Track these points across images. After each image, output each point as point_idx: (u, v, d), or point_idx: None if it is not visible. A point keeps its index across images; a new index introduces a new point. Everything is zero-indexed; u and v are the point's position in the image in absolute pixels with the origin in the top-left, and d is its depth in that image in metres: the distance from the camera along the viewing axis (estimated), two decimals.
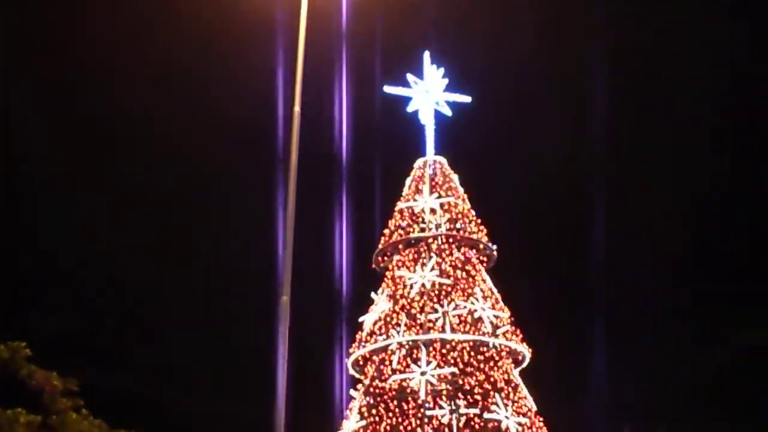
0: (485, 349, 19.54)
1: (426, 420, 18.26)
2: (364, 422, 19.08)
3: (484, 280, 20.67)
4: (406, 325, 19.53)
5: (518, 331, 20.28)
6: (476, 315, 19.61)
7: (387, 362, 19.59)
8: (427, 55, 22.36)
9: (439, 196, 20.94)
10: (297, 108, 13.97)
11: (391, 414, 18.70)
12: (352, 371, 20.79)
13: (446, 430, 18.31)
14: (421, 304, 19.66)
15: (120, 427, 24.64)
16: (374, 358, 20.02)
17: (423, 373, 18.71)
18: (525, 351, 20.42)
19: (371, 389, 19.58)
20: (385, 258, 21.30)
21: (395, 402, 18.84)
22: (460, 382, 19.00)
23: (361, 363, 20.55)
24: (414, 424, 18.29)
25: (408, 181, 21.66)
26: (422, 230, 20.61)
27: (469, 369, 19.05)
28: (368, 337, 20.05)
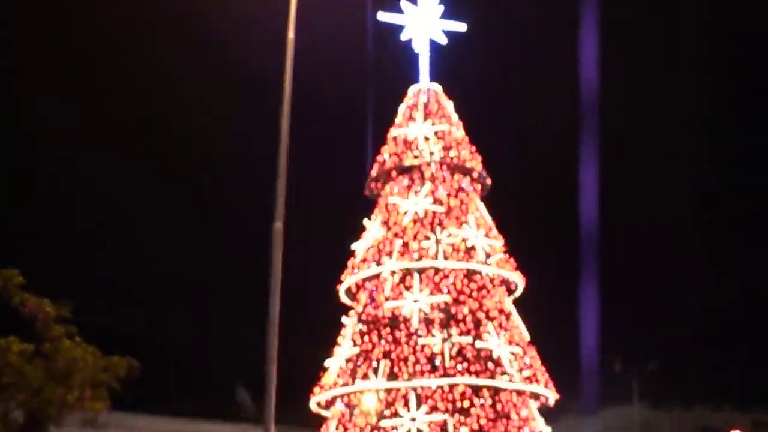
0: (478, 277, 19.53)
1: (418, 348, 18.27)
2: (356, 349, 19.13)
3: (477, 209, 20.62)
4: (398, 252, 19.51)
5: (511, 260, 20.27)
6: (469, 243, 19.58)
7: (379, 289, 19.60)
8: None
9: (433, 124, 20.79)
10: (291, 34, 13.83)
11: (383, 341, 18.75)
12: (344, 298, 20.82)
13: (439, 358, 18.32)
14: (414, 232, 19.62)
15: (113, 354, 24.70)
16: (367, 285, 20.03)
17: (415, 301, 18.73)
18: (518, 280, 20.42)
19: (364, 316, 19.62)
20: (379, 185, 21.22)
21: (388, 329, 18.86)
22: (453, 310, 19.00)
23: (353, 290, 20.56)
24: (406, 352, 18.33)
25: (401, 108, 21.49)
26: (416, 157, 20.51)
27: (461, 297, 19.05)
28: (360, 264, 20.04)
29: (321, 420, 20.14)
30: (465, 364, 18.35)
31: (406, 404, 18.15)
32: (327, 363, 19.78)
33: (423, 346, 18.34)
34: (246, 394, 56.07)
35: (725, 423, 56.57)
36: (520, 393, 18.99)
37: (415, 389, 18.21)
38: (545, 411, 20.12)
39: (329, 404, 19.89)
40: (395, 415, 18.22)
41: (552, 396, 19.68)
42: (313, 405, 19.96)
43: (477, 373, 18.28)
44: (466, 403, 18.25)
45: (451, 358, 18.36)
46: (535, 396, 19.74)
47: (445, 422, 18.11)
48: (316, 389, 19.69)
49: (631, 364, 42.58)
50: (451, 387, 18.15)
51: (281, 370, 15.77)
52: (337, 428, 19.18)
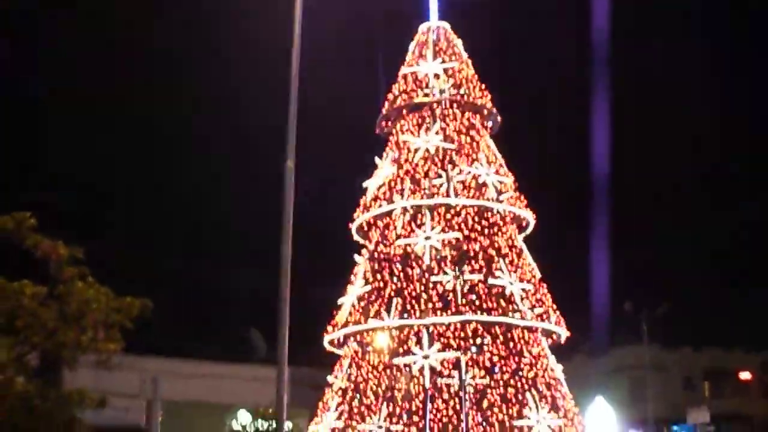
0: (489, 214, 19.50)
1: (430, 285, 18.28)
2: (368, 287, 19.16)
3: (488, 146, 20.56)
4: (410, 190, 19.48)
5: (522, 197, 20.22)
6: (480, 180, 19.54)
7: (391, 227, 19.60)
8: None
9: (443, 61, 20.66)
10: None
11: (395, 279, 18.74)
12: (356, 236, 20.83)
13: (450, 295, 18.32)
14: (425, 169, 19.57)
15: (126, 294, 24.76)
16: (378, 223, 20.03)
17: (427, 238, 18.70)
18: (529, 217, 20.39)
19: (376, 254, 19.63)
20: (389, 123, 21.15)
21: (400, 267, 18.87)
22: (465, 247, 19.00)
23: (365, 228, 20.57)
24: (419, 290, 18.33)
25: (411, 46, 21.35)
26: (426, 95, 20.41)
27: (473, 234, 19.04)
28: (372, 202, 20.02)
29: (334, 359, 20.24)
30: (477, 302, 18.35)
31: (419, 342, 18.18)
32: (340, 301, 19.83)
33: (435, 284, 18.33)
34: (259, 336, 56.45)
35: (734, 364, 56.83)
36: (531, 330, 19.03)
37: (427, 327, 18.25)
38: (557, 351, 20.18)
39: (342, 343, 19.98)
40: (408, 352, 18.28)
41: (563, 333, 19.73)
42: (326, 343, 20.05)
43: (489, 311, 18.30)
44: (479, 341, 18.31)
45: (463, 295, 18.36)
46: (547, 334, 19.79)
47: (457, 359, 18.16)
48: (329, 328, 19.76)
49: (641, 305, 42.63)
50: (464, 324, 18.17)
51: (294, 310, 15.83)
52: (350, 366, 19.26)
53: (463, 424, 17.71)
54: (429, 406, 17.85)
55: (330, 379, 19.63)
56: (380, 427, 17.81)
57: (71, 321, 22.98)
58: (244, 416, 52.46)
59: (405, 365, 18.21)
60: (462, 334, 18.14)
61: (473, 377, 18.28)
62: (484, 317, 18.23)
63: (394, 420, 18.10)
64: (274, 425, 41.70)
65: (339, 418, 18.62)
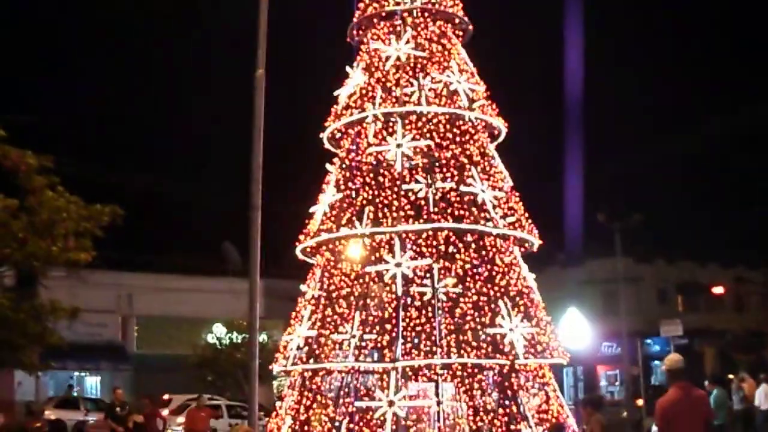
0: (461, 122, 19.41)
1: (402, 193, 18.23)
2: (340, 195, 19.12)
3: (459, 54, 20.40)
4: (381, 98, 19.35)
5: (494, 106, 20.13)
6: (452, 88, 19.42)
7: (362, 135, 19.51)
8: None
9: None
10: None
11: (367, 187, 18.68)
12: (327, 145, 20.75)
13: (422, 203, 18.30)
14: (396, 77, 19.42)
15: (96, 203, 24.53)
16: (350, 131, 19.92)
17: (398, 146, 18.61)
18: (501, 125, 20.33)
19: (347, 162, 19.56)
20: (360, 32, 20.92)
21: (371, 175, 18.81)
22: (436, 155, 18.94)
23: (337, 137, 20.48)
24: (390, 197, 18.29)
25: None
26: (397, 3, 20.17)
27: (444, 142, 18.96)
28: (343, 111, 19.89)
29: (307, 269, 20.26)
30: (449, 210, 18.34)
31: (391, 250, 18.19)
32: (312, 210, 19.79)
33: (407, 192, 18.29)
34: (233, 249, 56.60)
35: (708, 279, 57.51)
36: (504, 238, 19.04)
37: (399, 234, 18.25)
38: (530, 262, 20.23)
39: (315, 252, 19.99)
40: (380, 261, 18.29)
41: (535, 242, 19.79)
42: (298, 252, 20.06)
43: (461, 218, 18.29)
44: (451, 249, 18.32)
45: (434, 203, 18.35)
46: (519, 242, 19.84)
47: (429, 267, 18.20)
48: (301, 237, 19.74)
49: (615, 216, 42.85)
50: (435, 232, 18.17)
51: (268, 223, 15.87)
52: (322, 275, 19.28)
53: (436, 332, 17.78)
54: (401, 314, 17.91)
55: (303, 288, 19.66)
56: (353, 336, 17.82)
57: (42, 231, 22.88)
58: (219, 329, 52.79)
59: (377, 273, 18.20)
60: (434, 242, 18.11)
61: (445, 285, 18.36)
62: (456, 225, 18.21)
63: (368, 329, 18.16)
64: (247, 336, 41.94)
65: (312, 327, 18.66)
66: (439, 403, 17.83)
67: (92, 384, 60.69)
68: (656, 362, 52.30)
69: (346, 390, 18.35)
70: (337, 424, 17.78)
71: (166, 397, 40.70)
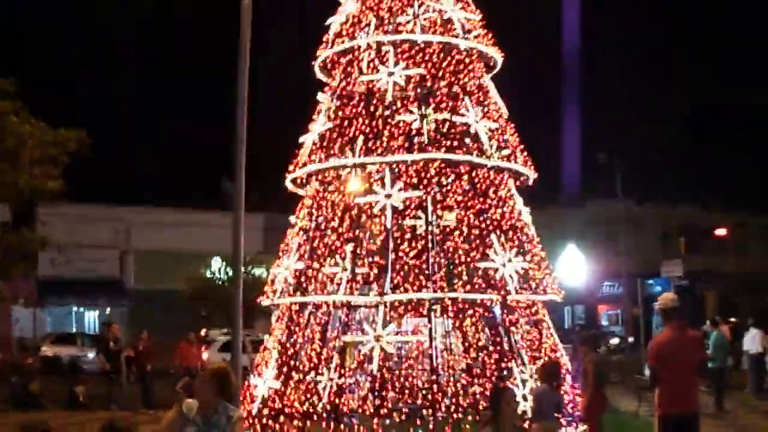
0: (455, 51, 18.84)
1: (394, 124, 17.74)
2: (330, 124, 18.63)
3: None
4: (374, 26, 18.77)
5: (490, 35, 19.54)
6: (446, 17, 18.81)
7: (354, 64, 18.95)
8: None
9: None
10: None
11: (358, 117, 18.18)
12: (319, 75, 20.21)
13: (414, 133, 17.80)
14: (389, 6, 18.83)
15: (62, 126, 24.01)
16: (342, 60, 19.35)
17: (390, 74, 18.06)
18: (496, 56, 19.75)
19: (338, 91, 19.03)
20: None
21: (363, 104, 18.30)
22: (429, 85, 18.41)
23: (328, 66, 19.93)
24: (382, 128, 17.79)
25: None
26: None
27: (438, 72, 18.42)
28: (335, 39, 19.32)
29: (297, 201, 19.81)
30: (441, 140, 17.84)
31: (381, 181, 17.72)
32: (301, 139, 19.31)
33: (399, 122, 17.78)
34: (232, 184, 56.37)
35: (710, 221, 57.20)
36: (498, 170, 18.54)
37: (390, 165, 17.76)
38: (530, 202, 19.73)
39: (304, 183, 19.53)
40: (370, 192, 17.84)
41: (531, 175, 19.30)
42: (288, 183, 19.61)
43: (454, 149, 17.78)
44: (443, 180, 17.85)
45: (427, 133, 17.84)
46: (515, 176, 19.36)
47: (420, 199, 17.73)
48: (291, 167, 19.28)
49: (616, 156, 42.45)
50: (427, 163, 17.67)
51: (265, 156, 15.44)
52: (311, 207, 18.83)
53: (426, 266, 17.39)
54: (391, 246, 17.51)
55: (292, 219, 19.21)
56: (345, 269, 17.41)
57: (6, 160, 22.35)
58: (217, 263, 52.63)
59: (366, 205, 17.76)
60: (426, 174, 17.62)
61: (437, 218, 17.91)
62: (449, 155, 17.69)
63: (359, 262, 17.76)
64: (246, 270, 41.64)
65: (300, 259, 18.25)
66: (431, 340, 17.44)
67: (91, 319, 60.68)
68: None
69: (335, 325, 17.98)
70: (324, 359, 17.38)
71: (202, 333, 40.64)
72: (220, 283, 50.31)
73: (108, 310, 58.46)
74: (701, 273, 54.66)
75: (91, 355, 40.24)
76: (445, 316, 17.78)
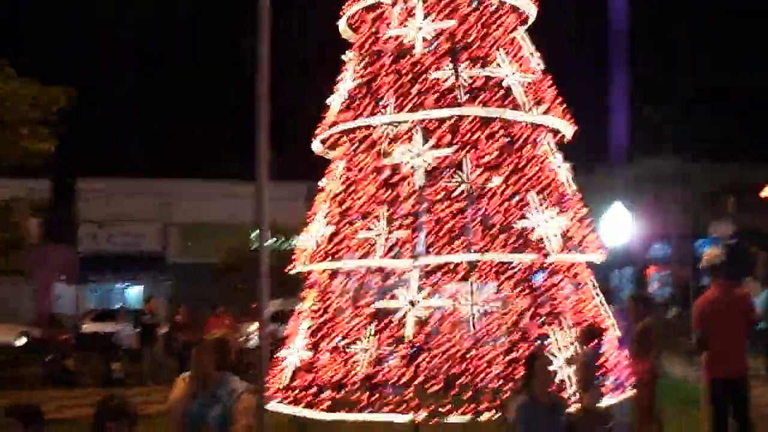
0: (487, 3, 17.97)
1: (423, 79, 16.92)
2: (358, 82, 17.84)
3: None
4: None
5: None
6: None
7: (381, 19, 18.13)
8: None
9: None
10: None
11: (388, 75, 17.39)
12: (345, 33, 19.38)
13: (446, 90, 16.97)
14: None
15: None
16: (368, 17, 18.52)
17: (419, 29, 17.22)
18: (531, 7, 18.84)
19: (366, 48, 18.22)
20: None
21: (391, 61, 17.50)
22: (460, 38, 17.54)
23: (354, 23, 19.11)
24: (412, 84, 16.98)
25: None
26: None
27: (469, 25, 17.55)
28: None
29: (325, 165, 19.08)
30: (474, 95, 16.99)
31: (411, 139, 16.92)
32: (329, 100, 18.55)
33: (429, 78, 16.96)
34: (273, 153, 55.79)
35: (759, 180, 55.85)
36: (534, 126, 17.67)
37: (421, 122, 16.94)
38: (574, 165, 18.74)
39: (334, 144, 18.77)
40: (401, 151, 17.05)
41: (569, 130, 18.42)
42: (316, 146, 18.87)
43: (486, 104, 16.93)
44: (477, 137, 17.00)
45: (458, 89, 16.99)
46: (553, 132, 18.49)
47: (455, 158, 16.91)
48: (319, 129, 18.53)
49: (664, 109, 41.32)
50: (460, 119, 16.83)
51: (305, 124, 14.66)
52: (340, 168, 18.09)
53: (460, 228, 16.60)
54: (424, 207, 16.72)
55: (322, 183, 18.49)
56: (379, 234, 16.65)
57: None
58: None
59: (396, 164, 16.95)
60: (458, 130, 16.78)
61: (473, 176, 17.05)
62: (482, 110, 16.83)
63: (392, 226, 16.92)
64: (287, 240, 41.07)
65: (329, 224, 17.51)
66: (468, 306, 16.70)
67: (134, 295, 60.66)
68: None
69: (367, 291, 17.24)
70: (357, 327, 16.66)
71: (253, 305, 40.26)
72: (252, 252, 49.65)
73: (150, 285, 58.35)
74: (751, 232, 53.44)
75: (130, 331, 39.98)
76: (482, 280, 16.97)
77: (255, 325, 32.82)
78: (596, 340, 13.60)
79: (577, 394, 13.59)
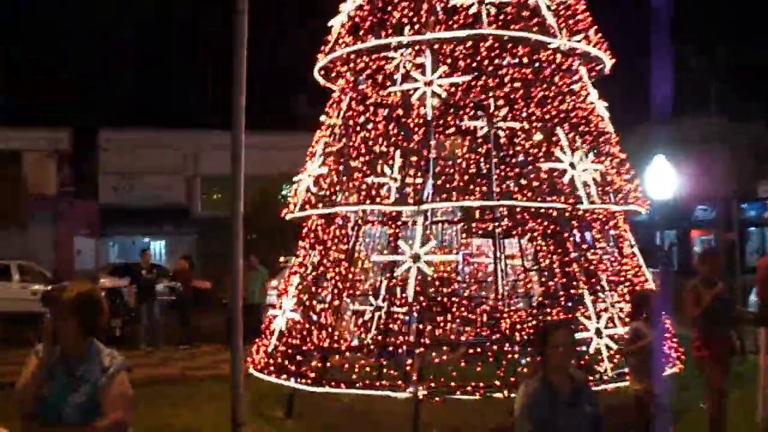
0: None
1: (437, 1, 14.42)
2: (362, 2, 15.35)
3: None
4: None
5: None
6: None
7: None
8: None
9: None
10: None
11: None
12: None
13: (462, 9, 14.48)
14: None
15: None
16: None
17: None
18: None
19: None
20: None
21: None
22: None
23: None
24: (421, 4, 14.50)
25: None
26: None
27: None
28: None
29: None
30: (495, 15, 14.46)
31: (420, 66, 14.42)
32: (331, 22, 16.10)
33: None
34: (304, 102, 53.42)
35: None
36: (565, 54, 15.09)
37: (431, 45, 14.44)
38: (616, 116, 16.07)
39: (337, 76, 16.36)
40: (408, 78, 14.55)
41: (607, 60, 15.88)
42: (316, 74, 16.45)
43: (508, 25, 14.39)
44: (496, 62, 14.48)
45: (482, 13, 14.45)
46: (587, 62, 15.93)
47: (470, 82, 14.42)
48: (319, 56, 16.13)
49: (708, 60, 38.58)
50: (478, 42, 14.31)
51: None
52: (340, 102, 15.66)
53: (477, 169, 14.19)
54: (433, 144, 14.27)
55: (323, 117, 16.03)
56: (395, 179, 14.19)
57: None
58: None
59: (404, 94, 14.49)
60: (475, 55, 14.28)
61: (495, 113, 14.57)
62: (504, 32, 14.25)
63: (411, 171, 14.46)
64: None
65: (324, 164, 15.07)
66: (495, 261, 14.30)
67: (157, 249, 58.64)
68: (752, 228, 48.52)
69: (367, 240, 14.86)
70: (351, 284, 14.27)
71: (282, 260, 38.34)
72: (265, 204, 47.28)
73: (174, 239, 56.40)
74: None
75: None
76: (499, 230, 14.55)
77: (274, 281, 30.69)
78: (645, 307, 11.02)
79: (627, 379, 11.23)
